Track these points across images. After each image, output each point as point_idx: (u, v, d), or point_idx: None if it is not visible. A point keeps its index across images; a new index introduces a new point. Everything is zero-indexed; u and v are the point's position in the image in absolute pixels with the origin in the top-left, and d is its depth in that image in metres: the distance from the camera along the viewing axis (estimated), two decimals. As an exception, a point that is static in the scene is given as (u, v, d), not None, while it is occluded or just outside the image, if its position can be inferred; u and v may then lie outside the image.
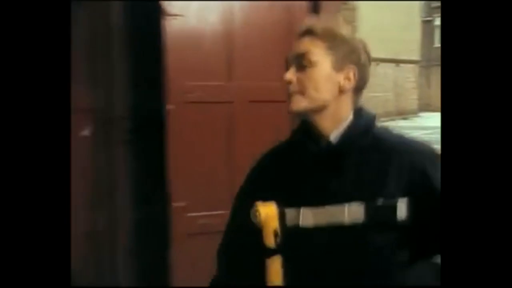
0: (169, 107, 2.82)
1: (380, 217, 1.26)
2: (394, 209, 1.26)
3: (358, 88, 1.37)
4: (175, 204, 3.00)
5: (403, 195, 1.27)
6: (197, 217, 3.05)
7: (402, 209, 1.26)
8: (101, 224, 2.93)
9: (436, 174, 1.26)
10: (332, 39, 1.33)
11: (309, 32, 1.35)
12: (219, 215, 3.12)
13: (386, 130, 1.40)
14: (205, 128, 3.10)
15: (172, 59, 2.79)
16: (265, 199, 1.32)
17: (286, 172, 1.40)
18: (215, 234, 3.01)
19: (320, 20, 1.40)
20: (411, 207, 1.27)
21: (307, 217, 1.30)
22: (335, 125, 1.35)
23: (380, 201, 1.26)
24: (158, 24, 2.82)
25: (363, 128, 1.35)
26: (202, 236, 3.04)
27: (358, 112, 1.37)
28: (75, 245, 2.82)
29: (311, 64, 1.32)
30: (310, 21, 1.38)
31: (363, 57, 1.36)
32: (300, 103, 1.33)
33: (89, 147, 2.85)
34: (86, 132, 2.83)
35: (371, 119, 1.39)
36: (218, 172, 3.13)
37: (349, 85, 1.33)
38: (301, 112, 1.35)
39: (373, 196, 1.27)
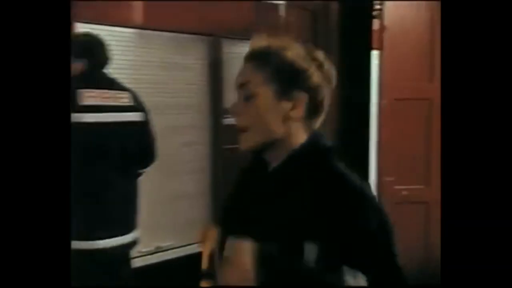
0: (383, 102, 3.51)
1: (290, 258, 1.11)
2: (301, 250, 1.11)
3: (313, 114, 1.23)
4: (385, 179, 3.71)
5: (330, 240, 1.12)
6: (401, 189, 3.73)
7: (311, 251, 1.12)
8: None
9: (375, 235, 1.14)
10: (274, 65, 1.19)
11: (252, 57, 1.22)
12: (417, 189, 3.80)
13: (341, 169, 1.21)
14: (405, 119, 3.74)
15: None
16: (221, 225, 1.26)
17: (235, 199, 1.32)
18: (415, 203, 3.78)
19: (263, 41, 1.23)
20: (326, 254, 1.11)
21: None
22: (284, 153, 1.23)
23: (291, 242, 1.12)
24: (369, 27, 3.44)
25: (310, 158, 1.21)
26: (406, 204, 3.71)
27: (311, 140, 1.23)
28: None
29: (252, 95, 1.19)
30: (255, 43, 1.23)
31: (317, 79, 1.21)
32: (247, 141, 1.21)
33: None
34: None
35: (324, 151, 1.23)
36: (416, 155, 3.78)
37: (297, 114, 1.20)
38: (252, 150, 1.24)
39: (290, 236, 1.13)
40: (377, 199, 1.20)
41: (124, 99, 2.74)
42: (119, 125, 2.69)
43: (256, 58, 1.20)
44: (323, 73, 1.22)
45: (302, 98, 1.19)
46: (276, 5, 4.64)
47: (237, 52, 4.39)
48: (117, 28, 3.44)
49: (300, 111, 1.20)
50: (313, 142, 1.22)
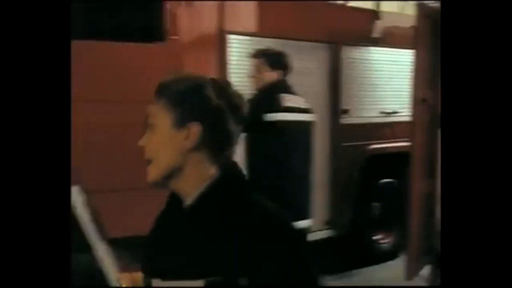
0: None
1: None
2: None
3: (219, 144, 1.22)
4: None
5: (254, 275, 1.13)
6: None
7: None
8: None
9: (294, 263, 1.16)
10: (171, 96, 1.20)
11: (156, 90, 1.24)
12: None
13: (257, 198, 1.23)
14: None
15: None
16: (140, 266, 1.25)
17: (154, 239, 1.29)
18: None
19: (167, 76, 1.25)
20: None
21: None
22: (194, 187, 1.21)
23: (219, 280, 1.13)
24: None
25: (223, 191, 1.20)
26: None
27: (224, 171, 1.22)
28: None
29: (151, 127, 1.22)
30: (163, 78, 1.25)
31: (218, 109, 1.19)
32: (151, 174, 1.22)
33: (424, 130, 3.97)
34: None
35: (238, 180, 1.24)
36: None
37: (190, 143, 1.19)
38: (158, 183, 1.23)
39: (216, 273, 1.13)
40: (290, 223, 1.24)
41: (303, 102, 3.28)
42: (303, 124, 3.26)
43: (158, 91, 1.23)
44: (227, 103, 1.21)
45: (195, 127, 1.19)
46: (385, 13, 4.77)
47: (355, 58, 4.69)
48: (242, 36, 3.87)
49: (192, 141, 1.19)
50: (224, 175, 1.22)
